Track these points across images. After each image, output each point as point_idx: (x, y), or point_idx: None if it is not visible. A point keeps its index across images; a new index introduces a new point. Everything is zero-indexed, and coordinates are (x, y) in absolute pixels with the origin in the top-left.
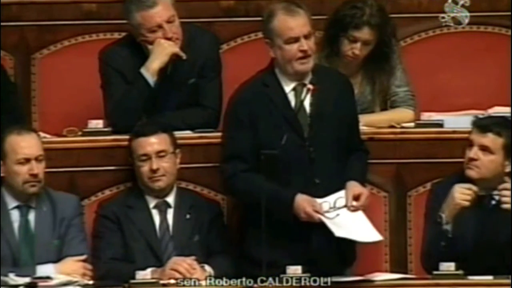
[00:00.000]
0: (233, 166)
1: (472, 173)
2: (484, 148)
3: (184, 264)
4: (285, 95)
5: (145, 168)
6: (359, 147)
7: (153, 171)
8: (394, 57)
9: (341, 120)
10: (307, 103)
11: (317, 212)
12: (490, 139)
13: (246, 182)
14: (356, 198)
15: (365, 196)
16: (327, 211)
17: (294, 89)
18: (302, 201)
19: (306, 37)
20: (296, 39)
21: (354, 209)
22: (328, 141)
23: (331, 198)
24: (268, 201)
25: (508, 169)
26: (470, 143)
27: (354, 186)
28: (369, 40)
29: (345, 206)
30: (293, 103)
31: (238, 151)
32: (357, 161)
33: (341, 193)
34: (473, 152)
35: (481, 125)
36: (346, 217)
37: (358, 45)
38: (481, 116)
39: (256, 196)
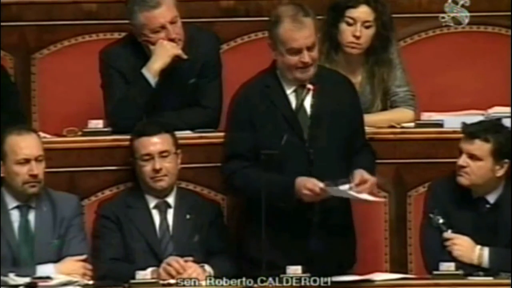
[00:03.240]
0: (233, 165)
1: (462, 180)
2: (472, 156)
3: (175, 264)
4: (286, 96)
5: (147, 168)
6: (364, 148)
7: (156, 171)
8: (394, 49)
9: (342, 121)
10: (307, 104)
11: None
12: (477, 146)
13: (246, 177)
14: (362, 182)
15: (371, 183)
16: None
17: (295, 90)
18: (302, 180)
19: (309, 48)
20: (298, 50)
21: (358, 191)
22: (328, 142)
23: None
24: (269, 190)
25: (499, 174)
26: (460, 151)
27: (361, 173)
28: (369, 22)
29: (349, 188)
30: (293, 104)
31: (238, 150)
32: (363, 156)
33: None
34: (462, 160)
35: (468, 132)
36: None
37: (358, 26)
38: (469, 123)
39: (256, 188)
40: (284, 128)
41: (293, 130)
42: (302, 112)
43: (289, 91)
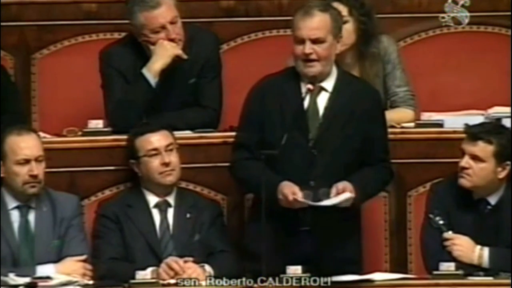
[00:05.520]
0: (237, 155)
1: (464, 181)
2: (475, 157)
3: (175, 265)
4: (300, 94)
5: (155, 163)
6: (378, 163)
7: (166, 164)
8: (382, 45)
9: (355, 130)
10: (321, 106)
11: (293, 195)
12: (480, 148)
13: (245, 169)
14: (340, 192)
15: (349, 190)
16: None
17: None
18: (284, 185)
19: (314, 41)
20: (302, 40)
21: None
22: (335, 147)
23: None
24: (262, 188)
25: (501, 176)
26: (462, 152)
27: (342, 183)
28: (343, 17)
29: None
30: (306, 103)
31: (244, 140)
32: (365, 172)
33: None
34: (465, 161)
35: (471, 133)
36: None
37: None
38: (471, 124)
39: (252, 183)
40: (290, 126)
41: (299, 128)
42: (313, 113)
43: (305, 90)
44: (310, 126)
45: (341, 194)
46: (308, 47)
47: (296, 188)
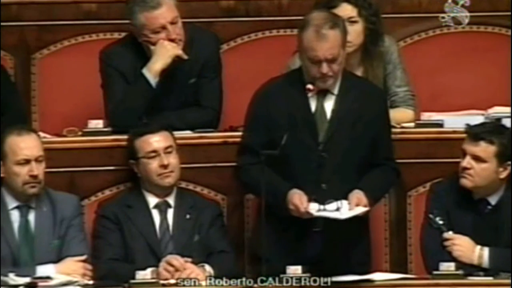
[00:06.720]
0: (242, 159)
1: (466, 182)
2: (477, 157)
3: (175, 262)
4: (306, 97)
5: (153, 165)
6: (385, 163)
7: (164, 166)
8: (388, 43)
9: (363, 131)
10: (328, 109)
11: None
12: (482, 148)
13: (250, 175)
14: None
15: (362, 205)
16: (316, 210)
17: (316, 92)
18: (293, 194)
19: (330, 61)
20: (318, 61)
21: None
22: (345, 149)
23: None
24: (267, 194)
25: (502, 176)
26: (463, 152)
27: (356, 193)
28: (353, 17)
29: (336, 209)
30: (313, 105)
31: (250, 144)
32: (375, 174)
33: (338, 202)
34: (466, 161)
35: (473, 133)
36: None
37: None
38: (473, 124)
39: (257, 189)
40: (299, 129)
41: (308, 131)
42: (321, 115)
43: (310, 92)
44: (318, 129)
45: (355, 208)
46: (325, 67)
47: (304, 198)
